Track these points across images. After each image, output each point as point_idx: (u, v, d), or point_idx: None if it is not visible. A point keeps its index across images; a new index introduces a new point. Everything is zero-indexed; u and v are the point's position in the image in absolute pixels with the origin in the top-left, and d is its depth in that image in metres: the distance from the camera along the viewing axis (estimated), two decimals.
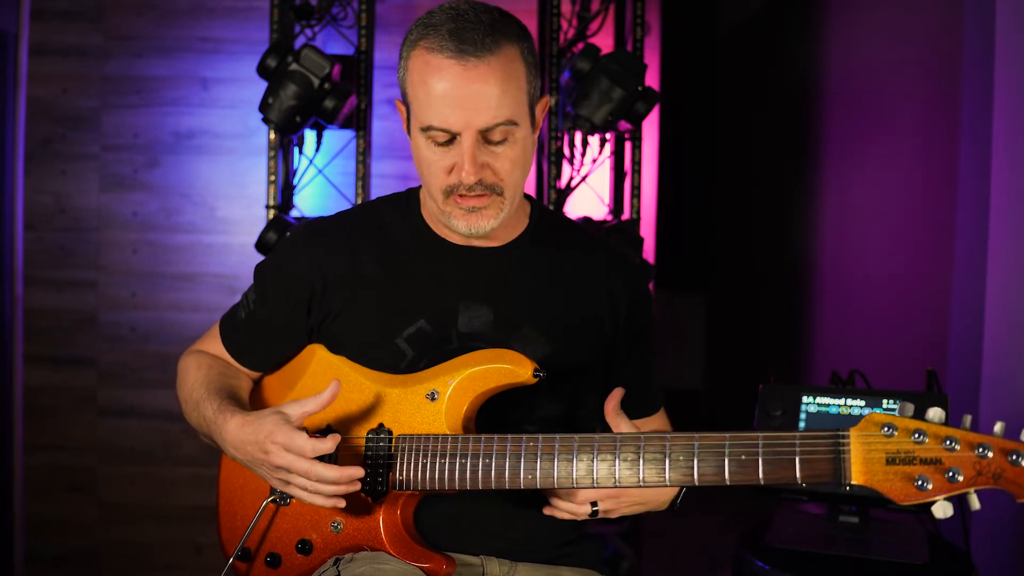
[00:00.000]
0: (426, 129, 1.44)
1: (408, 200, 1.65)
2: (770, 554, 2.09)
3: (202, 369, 1.64)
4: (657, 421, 1.72)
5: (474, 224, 1.48)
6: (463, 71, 1.40)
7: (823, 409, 2.12)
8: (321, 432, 1.49)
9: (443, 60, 1.40)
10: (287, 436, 1.38)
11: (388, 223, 1.62)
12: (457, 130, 1.42)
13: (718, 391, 6.33)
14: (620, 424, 1.42)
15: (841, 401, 2.12)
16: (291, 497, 1.53)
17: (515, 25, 1.47)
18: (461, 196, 1.46)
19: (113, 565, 3.47)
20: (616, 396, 1.43)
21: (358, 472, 1.40)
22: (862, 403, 2.10)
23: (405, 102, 1.50)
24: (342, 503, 1.42)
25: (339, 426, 1.51)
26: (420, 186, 1.66)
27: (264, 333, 1.64)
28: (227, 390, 1.59)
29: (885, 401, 2.08)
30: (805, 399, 2.13)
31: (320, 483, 1.39)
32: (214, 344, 1.69)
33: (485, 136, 1.43)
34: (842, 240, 4.11)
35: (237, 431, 1.46)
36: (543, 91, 1.56)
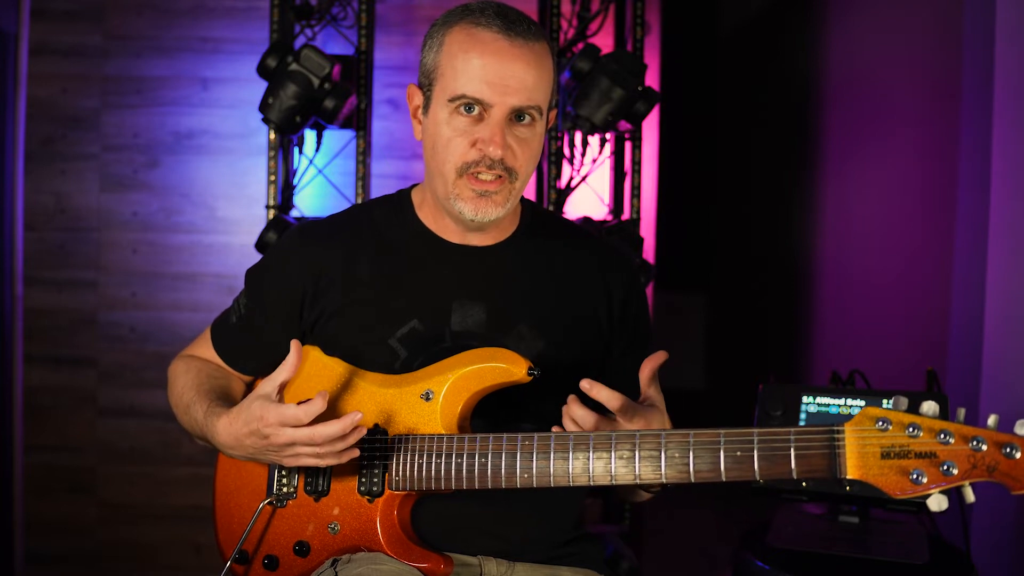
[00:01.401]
0: (456, 99, 1.45)
1: (401, 200, 1.65)
2: (770, 554, 2.09)
3: (190, 373, 1.63)
4: None
5: (481, 209, 1.48)
6: (509, 46, 1.44)
7: (823, 409, 2.12)
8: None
9: (490, 34, 1.44)
10: (278, 413, 1.38)
11: (380, 223, 1.62)
12: (491, 102, 1.44)
13: (718, 391, 6.33)
14: (648, 390, 1.41)
15: (841, 401, 2.11)
16: (288, 499, 1.53)
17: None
18: (478, 176, 1.47)
19: (113, 565, 3.47)
20: (658, 359, 1.41)
21: (356, 416, 1.38)
22: (862, 403, 2.10)
23: (427, 81, 1.51)
24: (356, 453, 1.42)
25: None
26: (412, 187, 1.67)
27: (257, 338, 1.63)
28: (216, 391, 1.59)
29: (885, 401, 2.08)
30: (805, 399, 2.13)
31: (327, 444, 1.38)
32: (205, 349, 1.69)
33: (513, 117, 1.46)
34: (842, 240, 4.11)
35: (227, 429, 1.46)
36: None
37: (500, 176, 1.47)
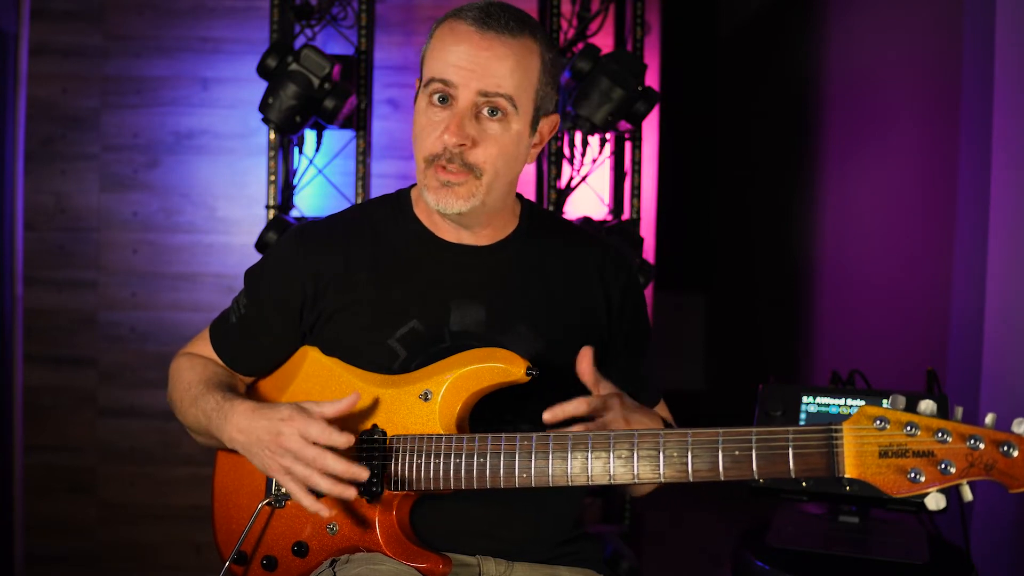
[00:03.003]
0: (428, 84, 1.48)
1: (400, 200, 1.65)
2: (770, 554, 2.09)
3: (196, 369, 1.63)
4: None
5: (443, 200, 1.49)
6: (480, 38, 1.46)
7: (823, 409, 2.12)
8: None
9: (465, 26, 1.47)
10: (304, 422, 1.40)
11: (380, 223, 1.62)
12: (456, 83, 1.45)
13: (718, 391, 6.33)
14: (599, 386, 1.42)
15: (841, 401, 2.11)
16: (286, 499, 1.53)
17: (542, 31, 1.53)
18: (441, 167, 1.47)
19: (113, 565, 3.47)
20: (586, 355, 1.43)
21: (363, 473, 1.39)
22: (862, 403, 2.10)
23: (420, 76, 1.55)
24: (325, 512, 1.42)
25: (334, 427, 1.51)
26: (411, 186, 1.67)
27: (256, 338, 1.63)
28: (228, 386, 1.59)
29: (884, 401, 2.08)
30: (805, 399, 2.13)
31: (321, 477, 1.39)
32: (204, 349, 1.69)
33: (481, 106, 1.46)
34: (842, 240, 4.11)
35: (247, 414, 1.46)
36: (556, 108, 1.60)
37: (461, 171, 1.48)
